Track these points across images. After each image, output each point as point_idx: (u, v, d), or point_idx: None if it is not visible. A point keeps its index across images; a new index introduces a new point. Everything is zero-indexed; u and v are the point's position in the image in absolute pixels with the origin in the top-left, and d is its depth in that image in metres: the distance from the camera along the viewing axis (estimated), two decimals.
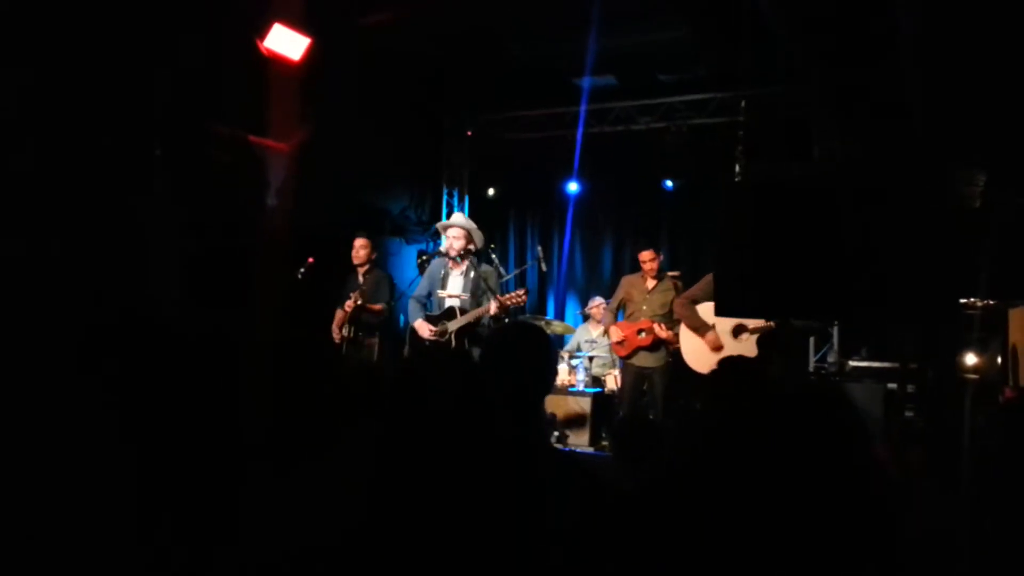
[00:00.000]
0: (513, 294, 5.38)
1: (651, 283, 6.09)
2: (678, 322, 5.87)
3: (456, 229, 5.54)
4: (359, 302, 5.96)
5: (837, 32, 5.17)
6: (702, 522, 1.28)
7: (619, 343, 6.12)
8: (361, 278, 6.26)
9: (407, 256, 8.62)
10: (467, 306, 5.43)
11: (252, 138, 5.95)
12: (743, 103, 7.57)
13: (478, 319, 5.35)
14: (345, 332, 6.05)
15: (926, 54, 4.53)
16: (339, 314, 6.15)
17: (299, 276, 6.00)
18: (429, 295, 5.64)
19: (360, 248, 6.31)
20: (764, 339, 5.28)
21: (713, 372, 2.64)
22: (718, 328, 5.59)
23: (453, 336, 5.34)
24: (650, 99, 8.11)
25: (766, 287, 3.12)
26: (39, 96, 4.05)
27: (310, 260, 6.04)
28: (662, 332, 5.89)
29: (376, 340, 6.07)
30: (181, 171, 5.17)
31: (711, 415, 2.42)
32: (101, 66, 4.41)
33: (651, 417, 5.86)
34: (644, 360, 6.02)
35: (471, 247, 5.57)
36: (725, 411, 2.24)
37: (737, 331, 5.44)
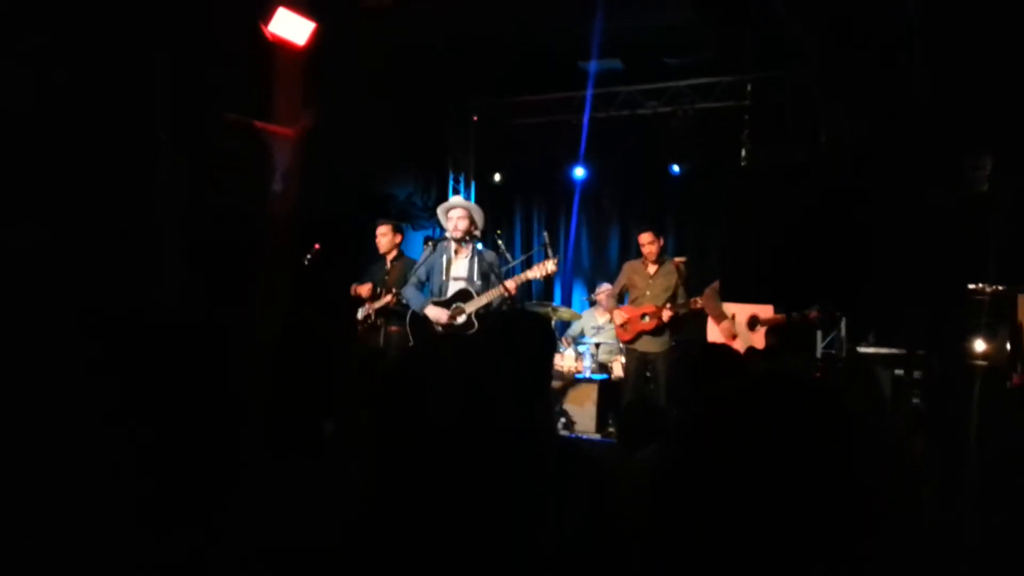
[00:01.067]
0: (541, 264, 5.31)
1: (653, 268, 6.05)
2: (684, 305, 5.85)
3: (458, 210, 5.46)
4: (393, 303, 5.75)
5: (843, 14, 5.13)
6: (700, 512, 1.27)
7: (622, 327, 6.09)
8: (389, 264, 6.07)
9: (413, 242, 8.61)
10: (478, 289, 5.32)
11: (258, 124, 5.93)
12: (749, 87, 7.52)
13: (496, 299, 5.25)
14: (362, 316, 5.95)
15: (933, 39, 4.48)
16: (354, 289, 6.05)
17: (305, 262, 5.98)
18: (426, 281, 5.52)
19: (381, 236, 6.05)
20: (773, 330, 5.29)
21: (682, 358, 2.60)
22: (737, 319, 5.60)
23: (473, 317, 5.28)
24: (656, 83, 8.06)
25: (771, 271, 3.11)
26: (43, 87, 4.05)
27: (316, 246, 6.01)
28: (666, 315, 5.86)
29: (399, 327, 5.76)
30: (187, 158, 5.17)
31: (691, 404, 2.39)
32: (106, 54, 4.40)
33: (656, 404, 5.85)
34: (647, 345, 5.97)
35: (474, 230, 5.49)
36: (700, 399, 2.22)
37: (752, 323, 5.45)
